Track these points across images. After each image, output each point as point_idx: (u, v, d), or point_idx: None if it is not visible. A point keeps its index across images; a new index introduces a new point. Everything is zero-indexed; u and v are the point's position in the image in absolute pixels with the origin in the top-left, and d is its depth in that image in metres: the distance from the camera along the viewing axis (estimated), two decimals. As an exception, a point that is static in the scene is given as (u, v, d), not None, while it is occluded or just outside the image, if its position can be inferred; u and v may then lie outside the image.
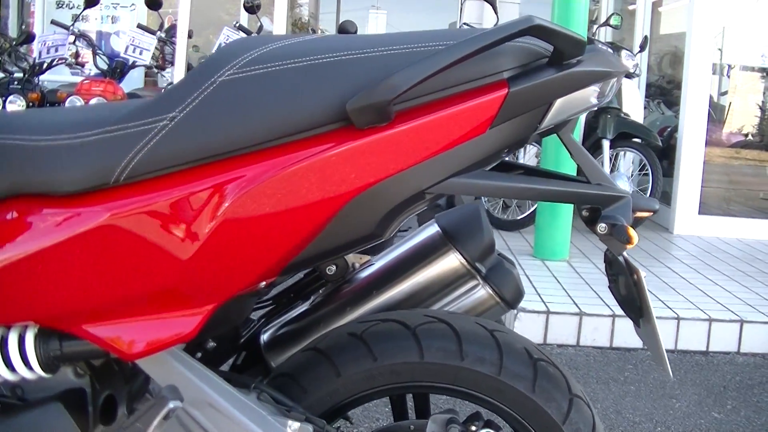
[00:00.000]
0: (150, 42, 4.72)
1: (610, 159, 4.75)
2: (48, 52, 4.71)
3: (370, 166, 0.83)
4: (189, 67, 4.18)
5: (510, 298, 1.13)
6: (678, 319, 3.12)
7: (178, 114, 0.84)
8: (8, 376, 0.92)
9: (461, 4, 6.13)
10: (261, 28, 5.21)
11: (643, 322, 0.98)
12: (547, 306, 3.14)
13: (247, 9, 4.89)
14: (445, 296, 1.13)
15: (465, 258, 1.11)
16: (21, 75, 4.67)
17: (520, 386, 0.99)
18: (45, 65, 4.76)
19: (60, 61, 4.84)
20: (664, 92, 6.41)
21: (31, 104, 4.50)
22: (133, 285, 0.86)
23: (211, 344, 1.16)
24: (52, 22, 5.22)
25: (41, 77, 4.81)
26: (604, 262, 1.04)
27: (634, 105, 5.01)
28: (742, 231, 5.06)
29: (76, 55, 5.28)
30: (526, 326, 3.06)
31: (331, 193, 0.84)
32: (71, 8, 6.96)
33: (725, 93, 5.82)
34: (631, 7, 6.70)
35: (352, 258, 1.18)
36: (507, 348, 1.00)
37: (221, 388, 0.95)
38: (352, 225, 0.87)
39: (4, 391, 0.97)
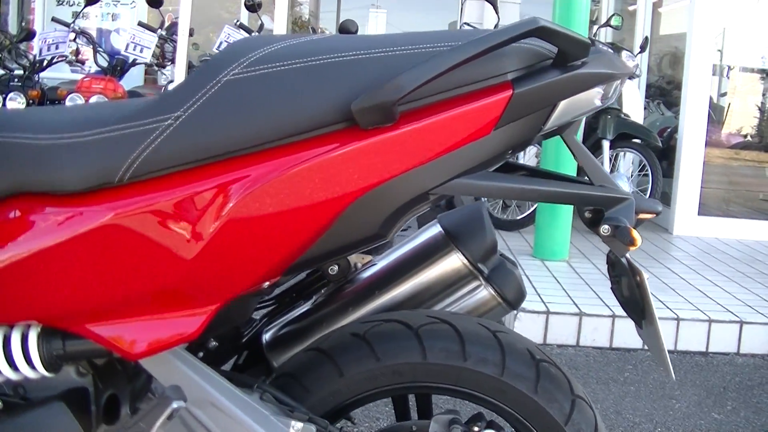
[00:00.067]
0: (150, 40, 4.72)
1: (610, 159, 4.76)
2: (48, 50, 4.71)
3: (375, 166, 0.83)
4: (189, 65, 4.17)
5: (512, 298, 1.13)
6: (678, 319, 3.12)
7: (183, 113, 0.84)
8: (11, 375, 0.92)
9: (461, 4, 6.13)
10: (262, 26, 5.22)
11: (646, 323, 0.98)
12: (546, 306, 3.15)
13: (247, 7, 4.89)
14: (447, 297, 1.13)
15: (467, 259, 1.11)
16: (21, 72, 4.68)
17: (523, 387, 0.99)
18: (45, 62, 4.77)
19: (60, 59, 4.85)
20: (664, 93, 6.41)
21: (31, 101, 4.50)
22: (137, 284, 0.86)
23: (213, 344, 1.16)
24: (53, 19, 5.22)
25: (41, 74, 4.81)
26: (607, 263, 1.04)
27: (634, 106, 5.01)
28: (742, 232, 5.06)
29: (77, 52, 5.27)
30: (525, 326, 3.06)
31: (335, 193, 0.84)
32: (72, 5, 6.96)
33: (725, 94, 5.83)
34: (631, 8, 6.70)
35: (354, 258, 1.18)
36: (509, 349, 1.00)
37: (224, 388, 0.95)
38: (357, 225, 0.87)
39: (7, 390, 0.97)
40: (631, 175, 5.02)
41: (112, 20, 7.05)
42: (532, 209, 4.56)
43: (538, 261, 3.93)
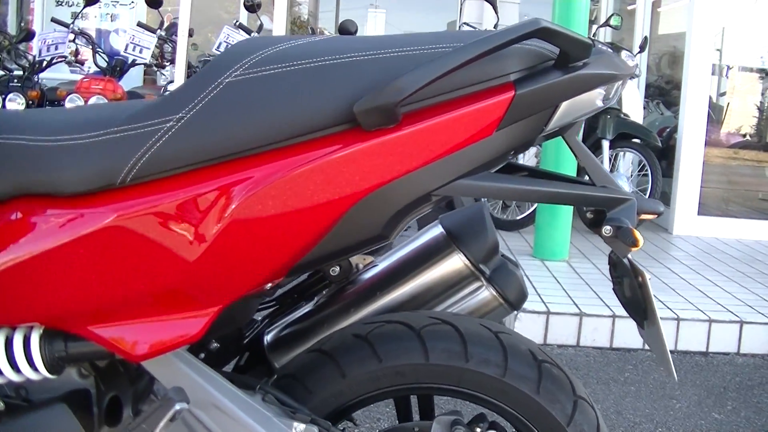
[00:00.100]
0: (150, 40, 4.72)
1: (610, 159, 4.76)
2: (48, 50, 4.70)
3: (378, 168, 0.83)
4: (188, 66, 4.17)
5: (514, 299, 1.13)
6: (678, 319, 3.12)
7: (185, 115, 0.84)
8: (13, 377, 0.92)
9: (461, 4, 6.13)
10: (261, 26, 5.22)
11: (648, 324, 0.98)
12: (547, 306, 3.15)
13: (247, 7, 4.89)
14: (448, 297, 1.13)
15: (469, 259, 1.11)
16: (21, 73, 4.67)
17: (525, 388, 0.99)
18: (45, 63, 4.76)
19: (60, 59, 4.84)
20: (664, 93, 6.42)
21: (30, 102, 4.49)
22: (139, 286, 0.86)
23: (215, 345, 1.16)
24: (52, 20, 5.21)
25: (41, 75, 4.81)
26: (609, 264, 1.04)
27: (633, 105, 5.01)
28: (742, 232, 5.06)
29: (76, 53, 5.27)
30: (526, 327, 3.06)
31: (338, 194, 0.84)
32: (71, 6, 6.96)
33: (724, 94, 5.83)
34: (630, 8, 6.71)
35: (355, 259, 1.18)
36: (511, 349, 1.00)
37: (226, 389, 0.95)
38: (359, 227, 0.87)
39: (9, 391, 0.97)
40: (631, 175, 5.02)
41: (111, 21, 7.05)
42: (531, 209, 4.56)
43: (538, 261, 3.93)
